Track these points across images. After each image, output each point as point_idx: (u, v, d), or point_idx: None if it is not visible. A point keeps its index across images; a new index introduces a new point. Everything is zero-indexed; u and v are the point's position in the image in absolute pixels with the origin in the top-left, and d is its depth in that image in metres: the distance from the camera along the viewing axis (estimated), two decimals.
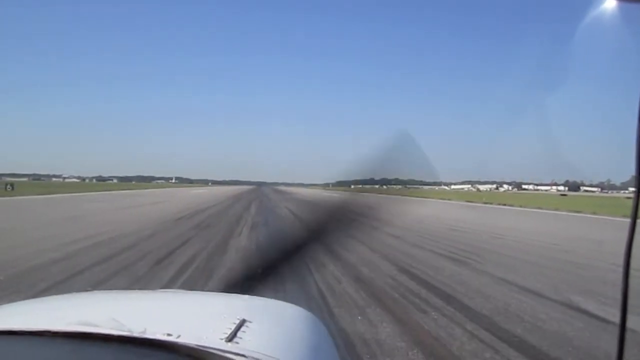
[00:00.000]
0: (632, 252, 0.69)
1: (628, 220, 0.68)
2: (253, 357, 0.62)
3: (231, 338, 0.66)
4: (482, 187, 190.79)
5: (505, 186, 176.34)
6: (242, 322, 0.73)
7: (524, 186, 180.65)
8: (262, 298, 1.06)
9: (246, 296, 1.04)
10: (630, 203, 0.68)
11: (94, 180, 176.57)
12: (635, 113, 0.63)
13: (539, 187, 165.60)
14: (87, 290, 2.22)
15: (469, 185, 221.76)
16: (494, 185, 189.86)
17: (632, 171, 0.67)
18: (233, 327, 0.70)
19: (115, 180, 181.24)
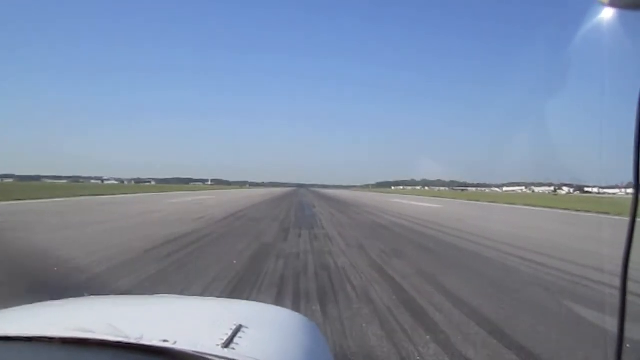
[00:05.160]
0: (631, 252, 0.72)
1: None
2: None
3: (228, 344, 0.67)
4: (536, 190, 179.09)
5: (565, 189, 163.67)
6: (239, 328, 0.75)
7: (586, 189, 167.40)
8: (258, 303, 1.04)
9: (243, 301, 1.09)
10: None
11: (133, 182, 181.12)
12: (634, 116, 0.68)
13: (605, 190, 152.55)
14: (83, 296, 1.43)
15: (523, 187, 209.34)
16: (552, 188, 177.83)
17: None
18: (229, 332, 0.72)
19: (153, 183, 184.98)
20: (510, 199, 41.09)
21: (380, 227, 10.83)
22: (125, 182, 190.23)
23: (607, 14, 0.79)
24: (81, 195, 26.84)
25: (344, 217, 14.14)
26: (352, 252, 6.54)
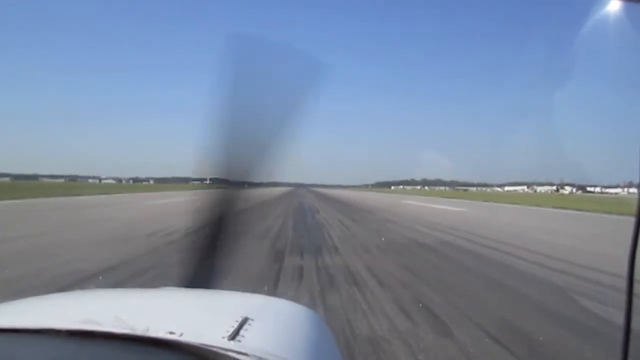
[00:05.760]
0: (637, 252, 0.71)
1: None
2: (255, 356, 0.62)
3: (234, 336, 0.67)
4: (538, 189, 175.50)
5: (568, 188, 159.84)
6: (245, 320, 0.73)
7: (588, 188, 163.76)
8: (264, 296, 1.03)
9: (248, 294, 1.03)
10: None
11: (131, 182, 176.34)
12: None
13: (607, 190, 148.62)
14: (90, 288, 1.43)
15: (524, 187, 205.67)
16: (554, 187, 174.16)
17: None
18: (236, 325, 0.71)
19: (151, 182, 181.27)
20: (526, 200, 37.50)
21: (423, 249, 7.02)
22: (123, 182, 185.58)
23: (614, 6, 0.76)
24: (52, 196, 23.73)
25: (361, 229, 10.25)
26: (420, 336, 2.82)
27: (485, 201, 34.06)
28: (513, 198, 43.78)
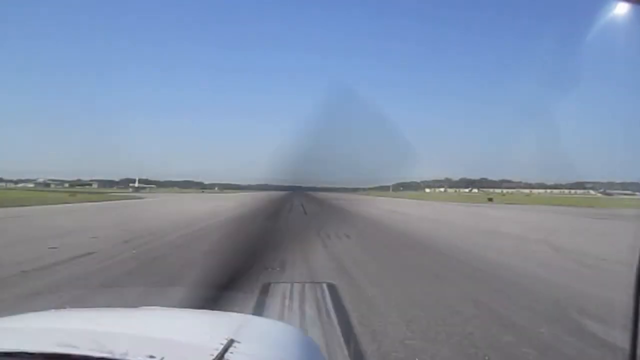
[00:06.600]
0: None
1: None
2: None
3: None
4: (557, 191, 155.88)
5: (592, 192, 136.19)
6: (230, 343, 0.69)
7: (608, 191, 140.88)
8: (251, 316, 0.95)
9: (234, 314, 0.95)
10: None
11: (66, 185, 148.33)
12: None
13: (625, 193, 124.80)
14: (66, 308, 1.77)
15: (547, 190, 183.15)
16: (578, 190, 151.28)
17: None
18: (220, 347, 0.67)
19: (95, 185, 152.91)
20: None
21: None
22: (66, 185, 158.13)
23: (621, 9, 0.74)
24: None
25: None
26: None
27: (523, 205, 15.63)
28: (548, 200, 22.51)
